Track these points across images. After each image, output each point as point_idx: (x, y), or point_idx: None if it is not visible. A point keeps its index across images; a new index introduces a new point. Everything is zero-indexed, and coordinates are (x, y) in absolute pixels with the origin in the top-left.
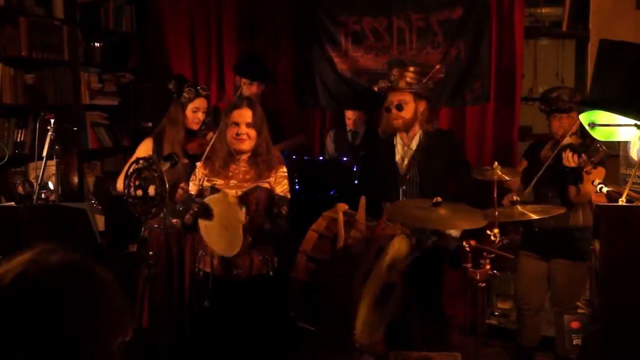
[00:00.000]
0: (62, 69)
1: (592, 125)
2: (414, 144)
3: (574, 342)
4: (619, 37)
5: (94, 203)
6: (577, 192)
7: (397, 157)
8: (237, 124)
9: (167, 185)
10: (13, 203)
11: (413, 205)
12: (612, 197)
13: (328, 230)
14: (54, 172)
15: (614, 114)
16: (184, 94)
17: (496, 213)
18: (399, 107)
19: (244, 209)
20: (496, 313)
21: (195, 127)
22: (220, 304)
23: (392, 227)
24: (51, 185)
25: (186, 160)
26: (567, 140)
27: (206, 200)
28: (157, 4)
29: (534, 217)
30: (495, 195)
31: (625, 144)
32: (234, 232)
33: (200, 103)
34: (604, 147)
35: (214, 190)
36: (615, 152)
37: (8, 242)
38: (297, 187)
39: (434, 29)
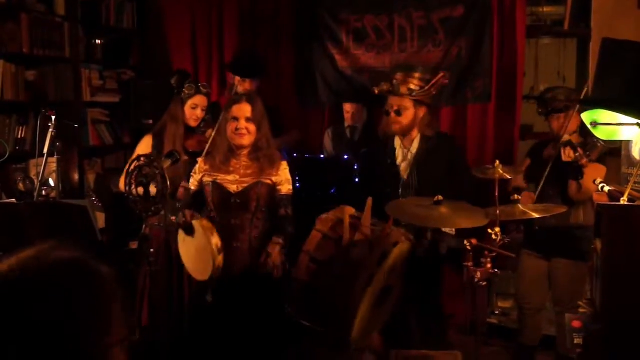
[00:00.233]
0: (63, 65)
1: (594, 124)
2: (414, 148)
3: (575, 342)
4: (620, 36)
5: (94, 200)
6: (578, 189)
7: (398, 161)
8: (236, 119)
9: (169, 183)
10: (14, 200)
11: (414, 203)
12: (613, 196)
13: (333, 232)
14: (54, 169)
15: (616, 113)
16: (184, 89)
17: (497, 212)
18: (398, 113)
19: (216, 235)
20: (497, 312)
21: (193, 124)
22: (221, 299)
23: (397, 233)
24: (52, 182)
25: (186, 157)
26: (567, 137)
27: (194, 221)
28: (158, 1)
29: (536, 215)
30: (496, 194)
31: (627, 143)
32: (206, 259)
33: (199, 100)
34: (601, 143)
35: (216, 185)
36: (615, 146)
37: (9, 239)
38: (297, 185)
39: (435, 27)
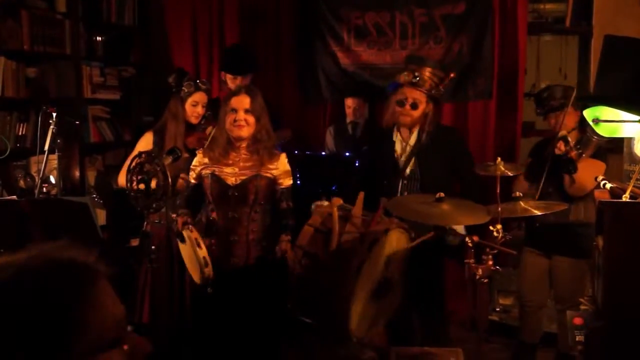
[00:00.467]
0: (64, 62)
1: (596, 121)
2: (412, 140)
3: (577, 339)
4: (622, 33)
5: (95, 197)
6: (571, 182)
7: (396, 153)
8: (235, 111)
9: (170, 180)
10: (15, 197)
11: (416, 200)
12: (615, 193)
13: (323, 225)
14: (55, 166)
15: (618, 110)
16: (183, 87)
17: (499, 209)
18: (414, 106)
19: (203, 247)
20: (497, 309)
21: (194, 121)
22: (220, 292)
23: (387, 221)
24: (53, 180)
25: (186, 155)
26: (563, 132)
27: (183, 230)
28: None
29: (537, 213)
30: (498, 191)
31: (629, 140)
32: (195, 266)
33: (199, 97)
34: (596, 137)
35: (214, 177)
36: (608, 140)
37: (9, 235)
38: (298, 182)
39: (436, 24)
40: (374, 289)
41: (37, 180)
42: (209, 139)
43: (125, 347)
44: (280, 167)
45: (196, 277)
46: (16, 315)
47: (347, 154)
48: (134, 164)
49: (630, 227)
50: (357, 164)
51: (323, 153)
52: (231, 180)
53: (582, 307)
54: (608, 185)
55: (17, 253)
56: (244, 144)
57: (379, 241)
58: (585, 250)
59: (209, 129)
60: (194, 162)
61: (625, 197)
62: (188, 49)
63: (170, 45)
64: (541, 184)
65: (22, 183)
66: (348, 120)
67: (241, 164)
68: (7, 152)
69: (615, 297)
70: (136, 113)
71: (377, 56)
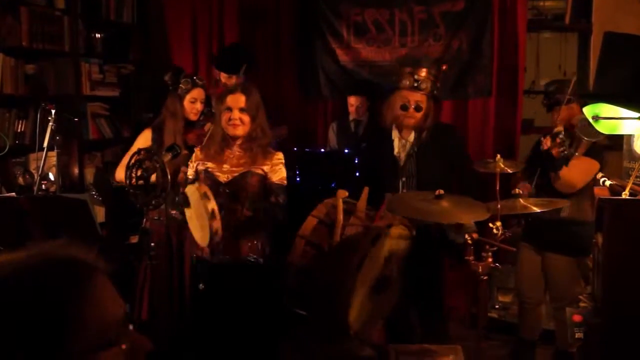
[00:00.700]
0: (62, 59)
1: (596, 118)
2: (411, 137)
3: (576, 336)
4: (622, 30)
5: (94, 194)
6: (555, 179)
7: (395, 150)
8: (230, 109)
9: (169, 177)
10: (13, 194)
11: (415, 197)
12: (615, 190)
13: (328, 217)
14: (54, 163)
15: (618, 107)
16: (181, 85)
17: (498, 206)
18: (418, 108)
19: (212, 199)
20: (497, 306)
21: (194, 117)
22: (211, 289)
23: (391, 216)
24: (52, 176)
25: (186, 151)
26: (558, 129)
27: (186, 189)
28: None
29: (537, 209)
30: (497, 188)
31: (629, 137)
32: (203, 222)
33: (197, 93)
34: (585, 139)
35: (207, 174)
36: (599, 139)
37: (8, 233)
38: (298, 179)
39: (435, 21)
40: (374, 285)
41: (36, 177)
42: (207, 136)
43: (124, 346)
44: (273, 163)
45: (204, 238)
46: (15, 313)
47: (346, 151)
48: (133, 160)
49: (629, 225)
50: (356, 161)
51: (322, 150)
52: (223, 178)
53: (582, 304)
54: (608, 183)
55: (17, 251)
56: (238, 142)
57: (382, 236)
58: (577, 248)
59: (208, 125)
60: (192, 158)
61: (625, 194)
62: (187, 47)
63: (170, 42)
64: (535, 180)
65: (21, 180)
66: (351, 118)
67: (234, 161)
68: (6, 149)
69: (614, 294)
70: (135, 110)
71: (376, 53)
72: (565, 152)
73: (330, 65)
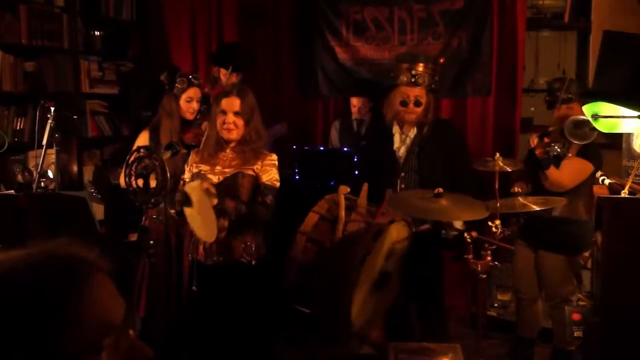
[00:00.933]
0: (61, 56)
1: (595, 117)
2: (411, 133)
3: (575, 334)
4: (621, 28)
5: (93, 192)
6: (544, 178)
7: (395, 146)
8: (224, 113)
9: (169, 175)
10: (12, 191)
11: (415, 195)
12: (614, 189)
13: (329, 213)
14: (53, 160)
15: (617, 105)
16: (177, 84)
17: (497, 204)
18: (418, 104)
19: (215, 195)
20: (496, 305)
21: (190, 116)
22: (205, 290)
23: (393, 212)
24: (50, 174)
25: (184, 150)
26: (552, 128)
27: (186, 187)
28: None
29: (536, 208)
30: (496, 187)
31: (628, 136)
32: (210, 218)
33: (193, 92)
34: (575, 141)
35: (200, 176)
36: (588, 142)
37: (7, 230)
38: (297, 177)
39: (435, 20)
40: (375, 281)
41: (34, 174)
42: (204, 138)
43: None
44: (264, 163)
45: (210, 235)
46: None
47: (346, 149)
48: (132, 158)
49: (628, 223)
50: (355, 159)
51: (321, 148)
52: (214, 180)
53: (581, 303)
54: (607, 181)
55: (15, 249)
56: (232, 145)
57: (384, 232)
58: (569, 246)
59: (205, 124)
60: (188, 160)
61: (624, 193)
62: (186, 44)
63: (169, 40)
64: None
65: (19, 177)
66: (353, 117)
67: (226, 162)
68: (5, 147)
69: (613, 293)
70: (134, 108)
71: (375, 51)
72: (551, 153)
73: (330, 64)
